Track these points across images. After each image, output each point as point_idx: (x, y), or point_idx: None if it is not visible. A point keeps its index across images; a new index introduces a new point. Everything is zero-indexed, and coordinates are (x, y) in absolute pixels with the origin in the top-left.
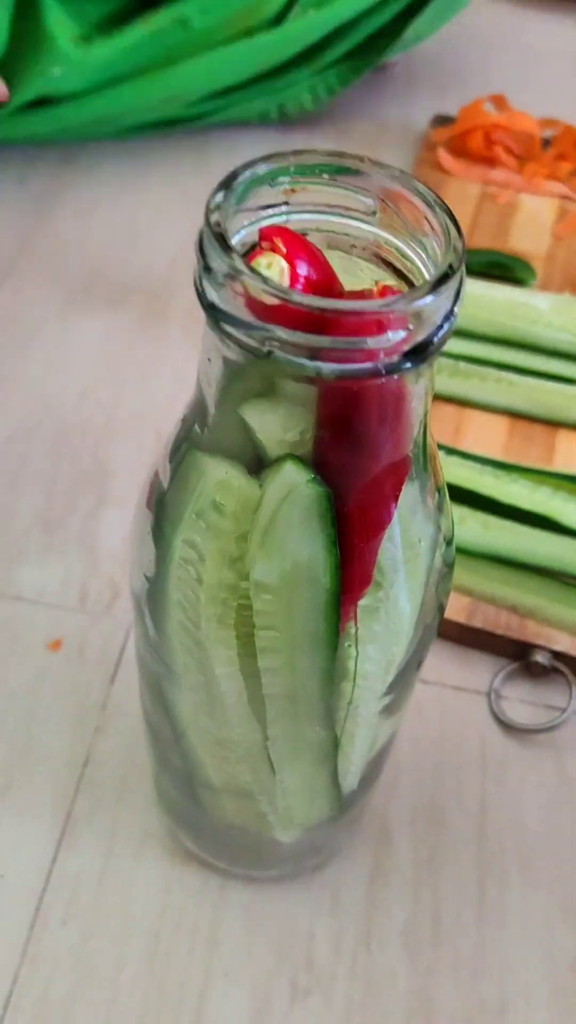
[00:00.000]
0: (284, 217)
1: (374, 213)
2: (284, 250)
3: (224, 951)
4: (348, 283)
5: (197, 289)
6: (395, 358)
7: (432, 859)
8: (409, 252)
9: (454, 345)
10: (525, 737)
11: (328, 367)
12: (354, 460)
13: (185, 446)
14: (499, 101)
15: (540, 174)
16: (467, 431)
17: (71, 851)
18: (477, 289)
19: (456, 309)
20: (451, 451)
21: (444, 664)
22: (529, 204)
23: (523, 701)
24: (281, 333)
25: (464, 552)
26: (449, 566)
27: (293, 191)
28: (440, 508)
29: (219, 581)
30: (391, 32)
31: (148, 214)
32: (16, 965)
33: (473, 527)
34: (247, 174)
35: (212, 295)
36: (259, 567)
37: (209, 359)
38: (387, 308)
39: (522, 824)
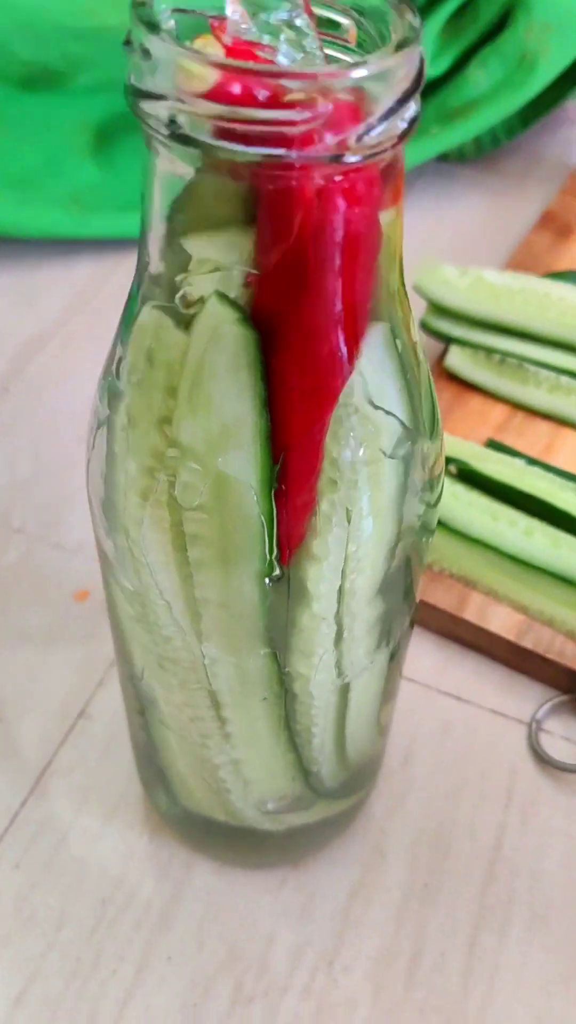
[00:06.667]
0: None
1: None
2: (228, 42)
3: (173, 935)
4: None
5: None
6: (315, 149)
7: (427, 888)
8: None
9: (559, 359)
10: (562, 777)
11: (235, 147)
12: (289, 298)
13: (131, 300)
14: None
15: None
16: (559, 450)
17: (42, 799)
18: None
19: (405, 111)
20: (533, 462)
21: (485, 684)
22: None
23: (567, 739)
24: (184, 98)
25: (525, 564)
26: (429, 529)
27: None
28: (419, 412)
29: (146, 445)
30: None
31: None
32: None
33: (542, 542)
34: None
35: (134, 75)
36: (185, 427)
37: (151, 178)
38: (291, 73)
39: (541, 871)
